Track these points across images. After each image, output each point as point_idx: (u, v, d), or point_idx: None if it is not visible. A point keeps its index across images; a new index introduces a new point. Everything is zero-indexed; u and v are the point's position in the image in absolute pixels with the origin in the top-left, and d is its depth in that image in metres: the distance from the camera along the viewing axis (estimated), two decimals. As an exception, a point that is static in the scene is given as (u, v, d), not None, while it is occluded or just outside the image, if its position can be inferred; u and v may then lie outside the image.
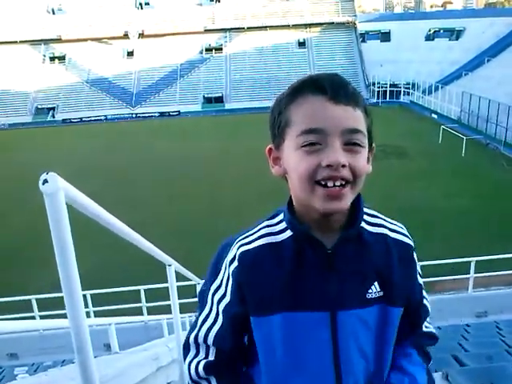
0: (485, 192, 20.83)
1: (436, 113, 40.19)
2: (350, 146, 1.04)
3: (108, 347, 4.15)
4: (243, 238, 1.16)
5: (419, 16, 60.71)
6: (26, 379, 2.92)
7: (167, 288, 2.74)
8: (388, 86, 48.47)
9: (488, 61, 44.29)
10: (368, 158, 1.11)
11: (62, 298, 1.00)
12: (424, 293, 1.27)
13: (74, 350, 1.01)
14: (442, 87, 41.21)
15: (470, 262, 8.78)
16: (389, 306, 1.14)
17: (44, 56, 56.63)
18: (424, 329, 1.29)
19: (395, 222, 1.22)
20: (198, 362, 1.19)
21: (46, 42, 57.15)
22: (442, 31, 53.79)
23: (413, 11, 77.37)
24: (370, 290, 1.13)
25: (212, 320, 1.18)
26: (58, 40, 57.11)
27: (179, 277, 3.84)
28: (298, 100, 1.06)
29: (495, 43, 47.13)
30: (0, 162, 31.06)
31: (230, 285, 1.15)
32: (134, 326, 6.13)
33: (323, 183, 1.03)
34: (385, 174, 20.38)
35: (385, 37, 55.89)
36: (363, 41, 56.11)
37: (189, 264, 4.04)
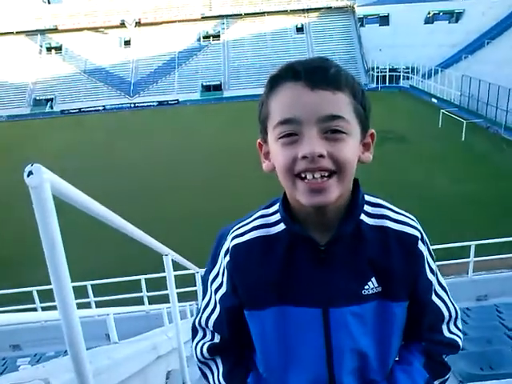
0: (485, 175, 20.82)
1: (436, 97, 40.01)
2: (330, 133, 0.97)
3: (109, 337, 4.16)
4: (237, 229, 1.14)
5: (418, -1, 60.13)
6: (24, 371, 2.92)
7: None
8: (387, 70, 48.22)
9: (488, 43, 44.00)
10: (367, 145, 1.05)
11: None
12: (440, 292, 1.19)
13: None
14: (441, 71, 41.00)
15: (469, 246, 8.80)
16: (389, 301, 1.10)
17: (41, 47, 56.30)
18: (446, 333, 1.20)
19: (402, 212, 1.14)
20: (203, 344, 1.22)
21: (43, 32, 56.80)
22: (441, 14, 53.36)
23: (411, -6, 76.65)
24: (366, 286, 1.08)
25: (211, 308, 1.19)
26: (55, 30, 56.77)
27: (179, 266, 3.83)
28: (275, 89, 1.01)
29: (495, 25, 46.82)
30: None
31: (225, 276, 1.14)
32: (135, 316, 6.20)
33: (303, 176, 0.98)
34: (385, 159, 20.36)
35: (383, 21, 55.43)
36: (362, 25, 55.68)
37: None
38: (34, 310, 8.42)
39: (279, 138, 0.99)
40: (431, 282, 1.16)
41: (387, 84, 48.09)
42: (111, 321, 3.76)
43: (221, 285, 1.16)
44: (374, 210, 1.11)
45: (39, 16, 56.93)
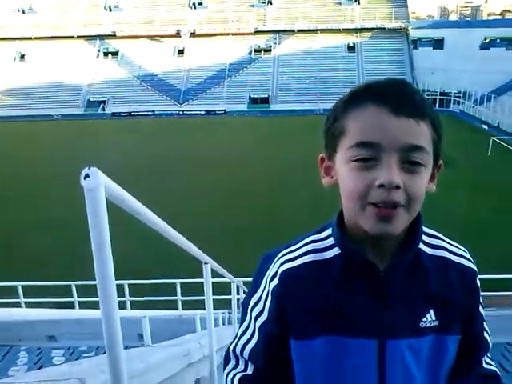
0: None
1: (487, 124, 38.93)
2: (409, 164, 0.92)
3: (141, 337, 4.24)
4: (286, 254, 1.07)
5: (475, 24, 59.04)
6: (61, 367, 3.02)
7: (200, 283, 2.76)
8: (438, 94, 47.33)
9: (546, 73, 42.60)
10: (433, 176, 1.00)
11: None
12: (485, 325, 1.14)
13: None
14: (494, 98, 39.90)
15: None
16: (445, 334, 1.04)
17: (98, 51, 58.47)
18: (484, 365, 1.14)
19: (458, 245, 1.10)
20: (235, 375, 1.15)
21: (102, 37, 58.99)
22: (498, 40, 52.09)
23: (469, 19, 75.30)
24: (424, 319, 1.02)
25: (249, 335, 1.12)
26: (113, 36, 58.85)
27: (214, 273, 3.88)
28: (356, 108, 0.95)
29: (555, 55, 45.29)
30: (50, 153, 32.23)
31: (268, 302, 1.07)
32: (168, 318, 6.28)
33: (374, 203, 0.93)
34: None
35: (438, 44, 54.69)
36: (415, 47, 55.06)
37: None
38: (72, 303, 8.73)
39: (353, 161, 0.94)
40: (482, 315, 1.12)
41: (437, 107, 47.07)
42: (146, 323, 3.82)
43: (262, 311, 1.08)
44: (432, 241, 1.07)
45: (100, 22, 59.20)
